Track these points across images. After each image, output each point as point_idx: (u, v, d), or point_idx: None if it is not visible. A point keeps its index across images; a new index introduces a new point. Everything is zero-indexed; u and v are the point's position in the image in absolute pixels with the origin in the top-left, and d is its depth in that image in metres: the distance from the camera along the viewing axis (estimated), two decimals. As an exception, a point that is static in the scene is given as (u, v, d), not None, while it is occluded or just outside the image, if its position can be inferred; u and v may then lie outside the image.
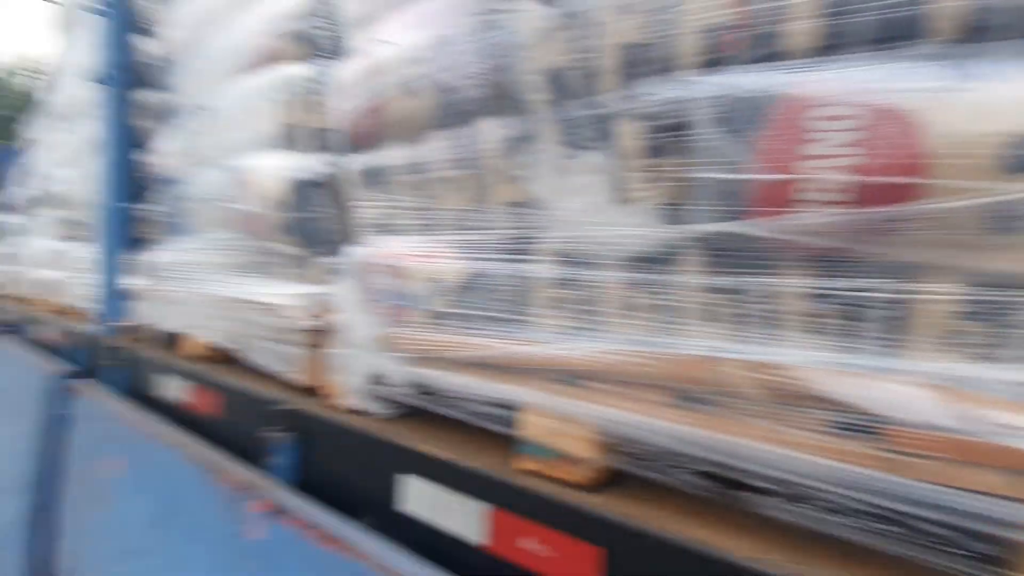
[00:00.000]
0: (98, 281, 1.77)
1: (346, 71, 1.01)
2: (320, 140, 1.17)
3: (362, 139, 0.99)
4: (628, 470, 0.67)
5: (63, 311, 2.33)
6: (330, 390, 1.01)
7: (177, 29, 1.76)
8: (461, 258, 0.84)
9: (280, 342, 1.12)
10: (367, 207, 1.01)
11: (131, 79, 1.85)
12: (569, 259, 0.72)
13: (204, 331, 1.35)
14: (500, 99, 0.78)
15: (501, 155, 0.79)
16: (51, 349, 2.13)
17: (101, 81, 1.86)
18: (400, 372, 0.90)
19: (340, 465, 0.95)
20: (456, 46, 0.81)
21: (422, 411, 0.93)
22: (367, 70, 0.96)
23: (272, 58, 1.28)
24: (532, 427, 0.72)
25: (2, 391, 1.87)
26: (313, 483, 0.97)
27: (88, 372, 1.73)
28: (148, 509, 1.23)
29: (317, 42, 1.19)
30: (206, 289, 1.37)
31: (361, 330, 0.95)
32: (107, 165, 1.80)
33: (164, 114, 1.85)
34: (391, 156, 0.94)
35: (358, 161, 1.02)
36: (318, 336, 1.07)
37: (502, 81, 0.77)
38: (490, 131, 0.80)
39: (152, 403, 1.46)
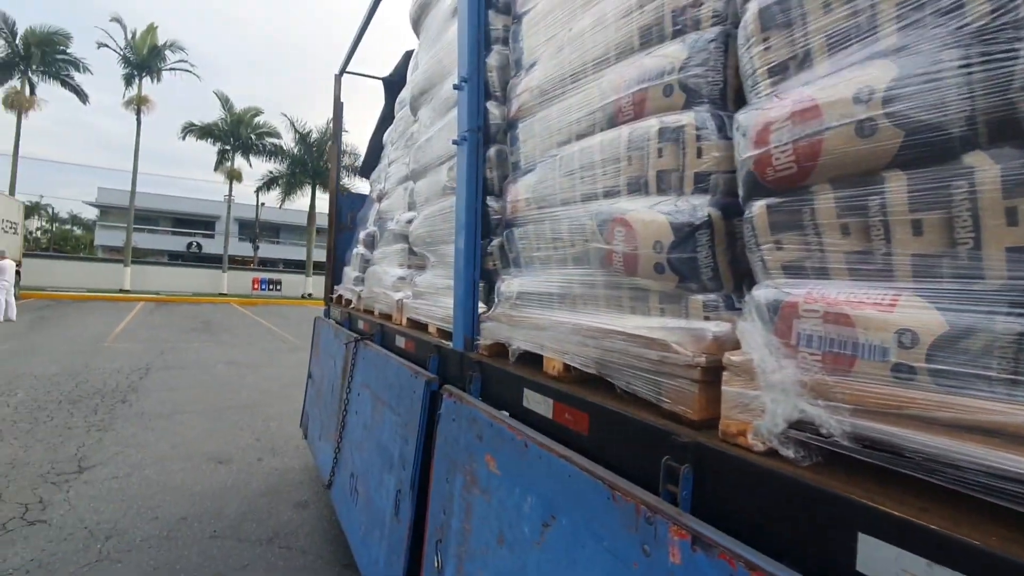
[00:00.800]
0: (455, 303, 2.17)
1: (756, 116, 1.04)
2: (701, 183, 1.23)
3: (778, 182, 1.00)
4: None
5: (409, 325, 2.93)
6: (730, 427, 1.03)
7: (523, 94, 2.08)
8: (935, 308, 0.77)
9: (660, 374, 1.20)
10: (779, 249, 1.01)
11: (483, 138, 2.25)
12: None
13: (564, 355, 1.53)
14: (1011, 133, 0.71)
15: (1007, 195, 0.71)
16: (403, 355, 2.67)
17: (459, 141, 2.31)
18: (836, 422, 0.86)
19: (751, 505, 0.95)
20: (941, 80, 0.76)
21: (843, 460, 0.89)
22: (789, 113, 0.97)
23: (644, 110, 1.40)
24: (1086, 515, 0.61)
25: (389, 387, 2.41)
26: (711, 518, 0.99)
27: (447, 378, 2.12)
28: (522, 505, 1.42)
29: (698, 90, 1.26)
30: (569, 318, 1.55)
31: (778, 373, 0.94)
32: (463, 209, 2.21)
33: (508, 166, 2.20)
34: (819, 198, 0.93)
35: (765, 204, 1.03)
36: (708, 372, 1.10)
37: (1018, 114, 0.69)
38: (990, 170, 0.72)
39: (505, 408, 1.70)
